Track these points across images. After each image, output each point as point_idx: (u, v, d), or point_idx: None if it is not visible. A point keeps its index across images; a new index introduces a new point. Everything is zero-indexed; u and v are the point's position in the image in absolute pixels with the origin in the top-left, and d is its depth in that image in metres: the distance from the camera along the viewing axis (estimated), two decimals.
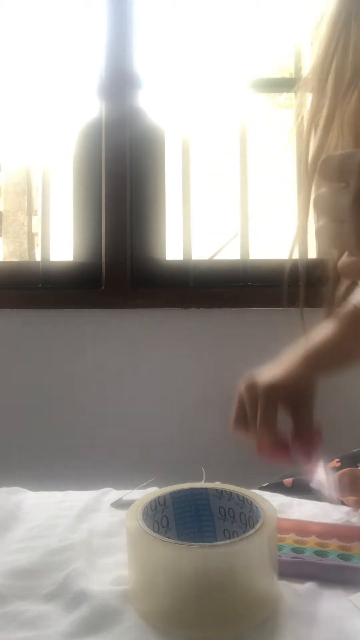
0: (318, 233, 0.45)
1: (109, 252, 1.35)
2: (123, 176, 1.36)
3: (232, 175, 1.44)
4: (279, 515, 0.47)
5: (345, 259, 0.44)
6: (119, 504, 0.66)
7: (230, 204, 1.46)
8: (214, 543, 0.42)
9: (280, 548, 0.52)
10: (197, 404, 1.33)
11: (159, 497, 0.50)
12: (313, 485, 0.57)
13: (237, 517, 0.50)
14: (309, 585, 0.47)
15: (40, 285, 1.36)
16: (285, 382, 0.70)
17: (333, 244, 0.44)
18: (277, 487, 0.75)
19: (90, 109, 1.39)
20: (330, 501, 0.60)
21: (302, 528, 0.56)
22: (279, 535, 0.54)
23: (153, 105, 1.40)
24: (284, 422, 0.70)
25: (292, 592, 0.46)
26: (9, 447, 1.30)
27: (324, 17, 0.65)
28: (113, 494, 0.70)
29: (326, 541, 0.53)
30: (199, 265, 1.39)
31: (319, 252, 0.80)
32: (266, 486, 0.76)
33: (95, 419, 1.32)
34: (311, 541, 0.54)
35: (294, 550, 0.52)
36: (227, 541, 0.42)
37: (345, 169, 0.42)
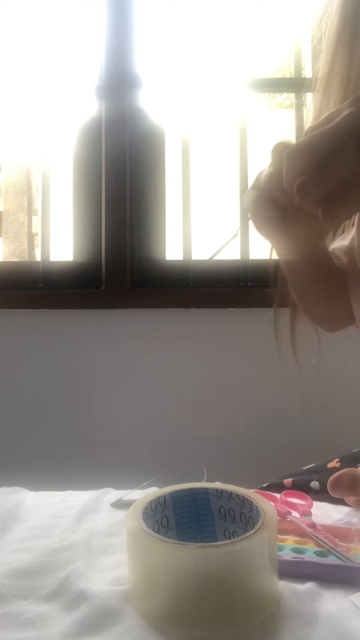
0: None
1: (109, 252, 1.35)
2: (123, 176, 1.36)
3: (232, 175, 1.43)
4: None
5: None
6: (119, 504, 0.66)
7: (230, 204, 1.46)
8: (214, 543, 0.42)
9: (280, 548, 0.52)
10: (197, 404, 1.33)
11: (159, 497, 0.50)
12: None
13: (237, 517, 0.50)
14: (309, 585, 0.47)
15: (40, 285, 1.36)
16: None
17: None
18: (277, 487, 0.75)
19: (90, 108, 1.39)
20: None
21: (302, 529, 0.56)
22: (280, 536, 0.54)
23: (153, 105, 1.41)
24: None
25: (292, 592, 0.46)
26: (9, 447, 1.30)
27: (327, 21, 0.65)
28: (113, 494, 0.70)
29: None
30: (199, 265, 1.39)
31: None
32: (266, 486, 0.76)
33: (95, 419, 1.32)
34: (311, 541, 0.54)
35: (295, 550, 0.52)
36: (227, 541, 0.42)
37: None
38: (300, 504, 0.61)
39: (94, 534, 0.58)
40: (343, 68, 0.64)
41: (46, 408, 1.33)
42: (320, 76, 0.67)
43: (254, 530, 0.43)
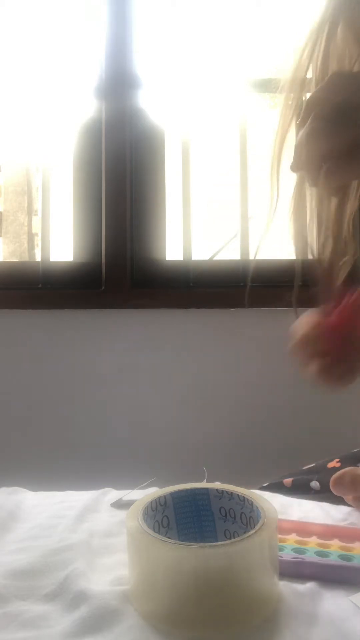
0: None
1: (109, 252, 1.35)
2: (123, 176, 1.36)
3: (232, 175, 1.44)
4: (280, 516, 0.47)
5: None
6: (119, 504, 0.66)
7: (230, 204, 1.46)
8: (215, 543, 0.42)
9: (281, 548, 0.52)
10: (197, 403, 1.33)
11: (159, 497, 0.50)
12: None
13: (238, 518, 0.50)
14: (309, 585, 0.47)
15: (40, 285, 1.36)
16: None
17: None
18: (278, 487, 0.75)
19: (90, 109, 1.39)
20: None
21: (302, 528, 0.56)
22: (280, 536, 0.54)
23: (153, 105, 1.40)
24: None
25: (292, 592, 0.46)
26: (9, 447, 1.30)
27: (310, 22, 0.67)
28: (113, 494, 0.70)
29: (327, 542, 0.53)
30: (199, 265, 1.39)
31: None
32: (266, 486, 0.76)
33: (95, 419, 1.32)
34: (312, 542, 0.54)
35: (295, 550, 0.52)
36: (228, 541, 0.42)
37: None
38: None
39: (94, 534, 0.58)
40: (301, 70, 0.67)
41: (46, 408, 1.33)
42: (290, 82, 0.70)
43: (254, 531, 0.43)
